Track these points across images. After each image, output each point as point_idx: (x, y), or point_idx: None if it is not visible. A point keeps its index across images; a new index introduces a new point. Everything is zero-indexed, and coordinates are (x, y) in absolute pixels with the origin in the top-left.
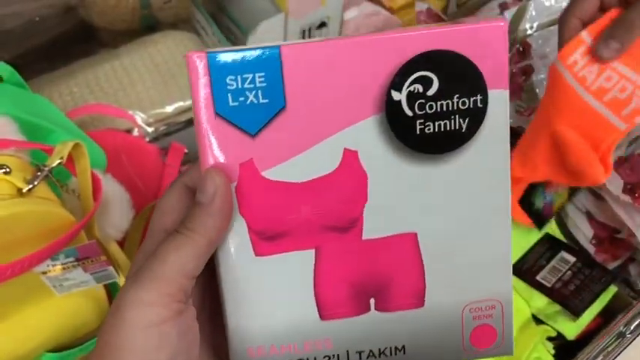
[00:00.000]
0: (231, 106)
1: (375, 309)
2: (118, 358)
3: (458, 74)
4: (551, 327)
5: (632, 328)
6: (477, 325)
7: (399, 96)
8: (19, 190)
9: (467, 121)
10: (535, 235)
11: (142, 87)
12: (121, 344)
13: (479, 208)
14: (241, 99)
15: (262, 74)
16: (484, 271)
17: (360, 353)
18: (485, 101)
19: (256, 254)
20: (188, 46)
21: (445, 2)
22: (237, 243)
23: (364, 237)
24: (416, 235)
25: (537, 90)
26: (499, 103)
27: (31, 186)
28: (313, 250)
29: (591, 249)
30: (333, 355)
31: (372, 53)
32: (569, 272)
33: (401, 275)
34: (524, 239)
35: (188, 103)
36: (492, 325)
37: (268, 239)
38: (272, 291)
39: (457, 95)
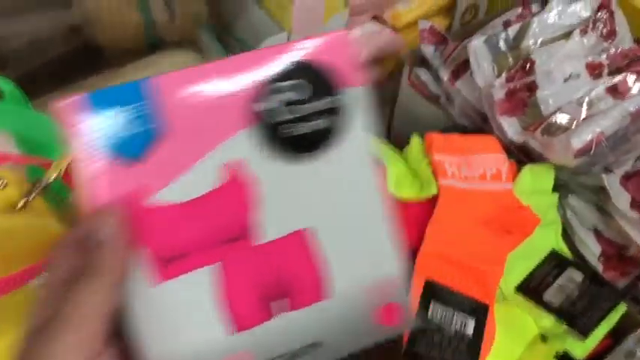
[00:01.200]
0: (109, 139)
1: (284, 310)
2: None
3: (312, 80)
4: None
5: None
6: (382, 306)
7: (263, 106)
8: (15, 204)
9: (328, 119)
10: (541, 253)
11: None
12: None
13: (356, 197)
14: (118, 132)
15: (136, 105)
16: (374, 255)
17: (280, 357)
18: (340, 100)
19: (159, 280)
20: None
21: (449, 21)
22: (138, 272)
23: (259, 242)
24: (306, 231)
25: (542, 106)
26: (355, 99)
27: (26, 200)
28: (214, 265)
29: (599, 266)
30: None
31: (234, 71)
32: (577, 291)
33: (300, 272)
34: (530, 257)
35: None
36: (395, 303)
37: (168, 262)
38: (183, 314)
39: (314, 98)
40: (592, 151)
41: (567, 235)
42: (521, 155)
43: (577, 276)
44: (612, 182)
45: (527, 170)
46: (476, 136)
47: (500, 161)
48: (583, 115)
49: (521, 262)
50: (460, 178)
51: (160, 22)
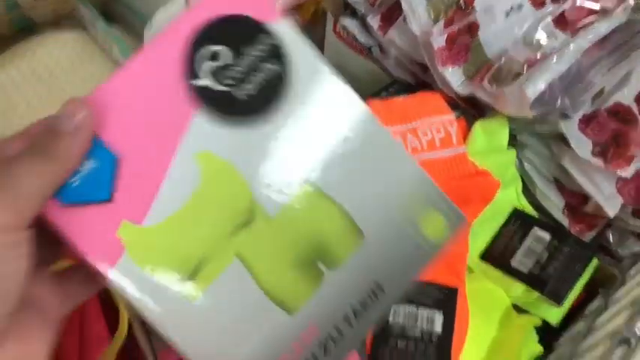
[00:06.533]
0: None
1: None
2: None
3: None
4: (535, 315)
5: (616, 296)
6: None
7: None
8: None
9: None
10: (504, 214)
11: (26, 108)
12: None
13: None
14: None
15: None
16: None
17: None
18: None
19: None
20: (75, 47)
21: None
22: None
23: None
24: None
25: (485, 48)
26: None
27: None
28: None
29: (565, 220)
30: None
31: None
32: (546, 253)
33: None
34: (492, 221)
35: None
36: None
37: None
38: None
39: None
40: (546, 95)
41: (529, 190)
42: (469, 108)
43: (544, 235)
44: (571, 129)
45: (479, 128)
46: (416, 96)
47: (447, 123)
48: (532, 55)
49: (484, 227)
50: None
51: (26, 2)
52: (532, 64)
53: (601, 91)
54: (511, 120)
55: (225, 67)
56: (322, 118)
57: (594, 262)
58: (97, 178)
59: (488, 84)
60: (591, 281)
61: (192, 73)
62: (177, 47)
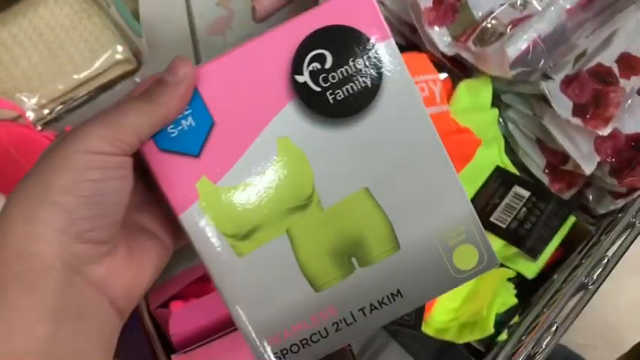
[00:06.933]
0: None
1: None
2: (49, 173)
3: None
4: (511, 269)
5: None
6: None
7: (303, 78)
8: None
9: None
10: (486, 172)
11: (28, 63)
12: (55, 161)
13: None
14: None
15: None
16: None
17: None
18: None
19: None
20: (74, 6)
21: None
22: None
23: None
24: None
25: (473, 10)
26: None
27: None
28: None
29: (545, 179)
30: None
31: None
32: (524, 209)
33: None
34: (475, 179)
35: (83, 75)
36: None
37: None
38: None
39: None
40: (529, 56)
41: (511, 149)
42: (455, 69)
43: (524, 193)
44: (552, 89)
45: (463, 87)
46: (402, 56)
47: (431, 82)
48: (517, 16)
49: (467, 184)
50: None
51: None
52: (515, 24)
53: (583, 53)
54: (495, 80)
55: (326, 71)
56: (395, 138)
57: (571, 219)
58: (193, 135)
59: (472, 44)
60: (569, 238)
61: (297, 68)
62: (292, 43)
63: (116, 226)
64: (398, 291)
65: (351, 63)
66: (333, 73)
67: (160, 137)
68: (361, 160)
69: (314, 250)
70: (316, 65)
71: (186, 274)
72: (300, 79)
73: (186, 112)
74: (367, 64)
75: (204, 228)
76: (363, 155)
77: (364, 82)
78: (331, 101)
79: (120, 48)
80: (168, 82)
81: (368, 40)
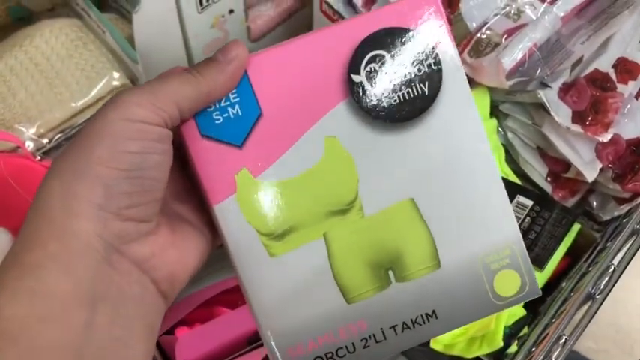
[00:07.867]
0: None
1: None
2: (87, 144)
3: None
4: None
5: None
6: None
7: (360, 77)
8: None
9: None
10: None
11: (25, 94)
12: (93, 131)
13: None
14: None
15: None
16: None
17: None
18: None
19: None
20: (70, 35)
21: None
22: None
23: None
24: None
25: (468, 22)
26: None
27: None
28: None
29: (548, 187)
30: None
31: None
32: (528, 219)
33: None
34: None
35: (80, 103)
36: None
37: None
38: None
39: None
40: (525, 65)
41: (512, 159)
42: None
43: (527, 202)
44: (550, 97)
45: None
46: None
47: None
48: (512, 25)
49: None
50: None
51: None
52: (510, 34)
53: (580, 60)
54: (492, 90)
55: (384, 72)
56: (447, 150)
57: (576, 227)
58: (239, 125)
59: (467, 56)
60: (575, 246)
61: (354, 67)
62: (352, 41)
63: (156, 205)
64: (433, 311)
65: (410, 67)
66: (390, 76)
67: (204, 123)
68: (409, 169)
69: (350, 258)
70: (374, 66)
71: (190, 298)
72: (356, 78)
73: (233, 100)
74: (427, 70)
75: (238, 222)
76: (411, 164)
77: (422, 89)
78: (386, 104)
79: (116, 74)
80: (218, 58)
81: (430, 46)
